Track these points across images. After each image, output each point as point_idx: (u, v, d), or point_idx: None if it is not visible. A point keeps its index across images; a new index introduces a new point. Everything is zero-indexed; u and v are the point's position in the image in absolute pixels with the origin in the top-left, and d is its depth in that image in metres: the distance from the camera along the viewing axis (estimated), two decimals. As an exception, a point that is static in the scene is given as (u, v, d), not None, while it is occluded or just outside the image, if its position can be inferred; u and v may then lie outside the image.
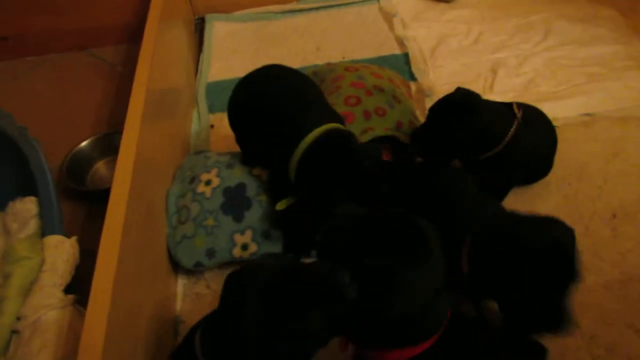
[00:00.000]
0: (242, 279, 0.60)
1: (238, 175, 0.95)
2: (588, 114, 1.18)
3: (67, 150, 1.21)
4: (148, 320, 0.83)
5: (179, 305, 0.95)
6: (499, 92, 1.26)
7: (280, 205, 0.86)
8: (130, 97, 0.97)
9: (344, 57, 1.44)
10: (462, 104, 0.89)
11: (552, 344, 0.82)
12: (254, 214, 0.92)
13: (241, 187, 0.93)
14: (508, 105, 0.95)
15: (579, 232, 0.96)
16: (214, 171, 0.96)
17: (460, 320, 0.65)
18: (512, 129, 0.90)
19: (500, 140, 0.91)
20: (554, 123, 1.02)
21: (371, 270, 0.57)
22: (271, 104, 0.89)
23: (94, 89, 1.45)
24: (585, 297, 0.88)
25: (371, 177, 0.79)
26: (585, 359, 0.81)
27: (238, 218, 0.92)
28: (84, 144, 1.23)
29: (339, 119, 0.89)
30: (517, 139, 0.91)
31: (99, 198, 1.13)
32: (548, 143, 1.02)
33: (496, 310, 0.76)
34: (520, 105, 0.97)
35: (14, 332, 0.84)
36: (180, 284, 0.98)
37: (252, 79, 0.95)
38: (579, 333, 0.84)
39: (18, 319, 0.85)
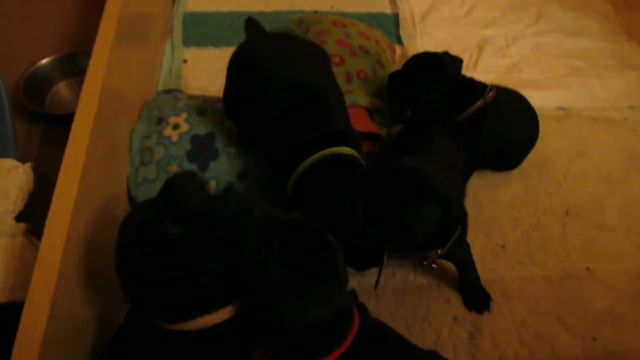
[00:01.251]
0: None
1: (209, 123, 0.92)
2: (562, 108, 1.20)
3: (25, 66, 1.12)
4: (103, 257, 0.82)
5: (134, 244, 0.95)
6: (482, 71, 1.26)
7: None
8: (102, 17, 0.91)
9: (332, 7, 1.38)
10: (438, 58, 0.95)
11: (484, 324, 0.89)
12: (220, 166, 0.91)
13: (210, 136, 0.91)
14: (484, 85, 0.98)
15: (531, 223, 1.01)
16: (184, 115, 0.93)
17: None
18: (478, 103, 0.95)
19: (463, 107, 0.95)
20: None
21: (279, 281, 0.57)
22: (282, 97, 0.78)
23: (60, 1, 1.33)
24: (525, 286, 0.93)
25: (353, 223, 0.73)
26: (513, 342, 0.88)
27: (203, 167, 0.90)
28: (44, 61, 1.15)
29: (352, 135, 0.81)
30: (484, 116, 0.95)
31: (58, 122, 1.07)
32: (525, 137, 1.04)
33: None
34: (508, 92, 1.01)
35: (-39, 255, 0.82)
36: (138, 224, 0.97)
37: (261, 54, 0.82)
38: (511, 318, 0.90)
39: (-35, 242, 0.82)
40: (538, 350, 0.87)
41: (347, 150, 0.77)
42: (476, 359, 0.85)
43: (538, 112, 1.06)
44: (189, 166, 0.90)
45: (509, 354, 0.86)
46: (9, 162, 0.89)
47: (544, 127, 1.06)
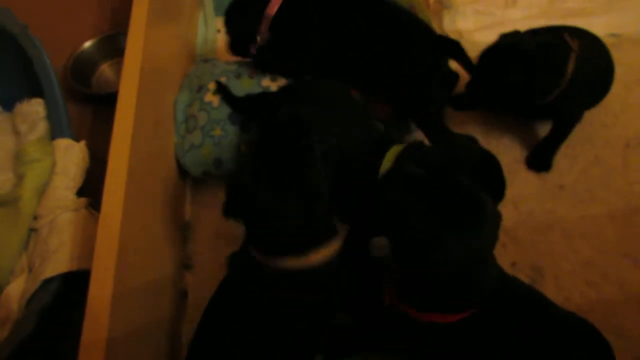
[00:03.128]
0: None
1: (246, 85, 0.93)
2: (614, 35, 1.12)
3: (69, 50, 1.17)
4: (159, 224, 0.86)
5: (188, 211, 0.98)
6: (523, 6, 1.18)
7: None
8: (134, -4, 0.92)
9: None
10: (508, 51, 0.85)
11: (545, 267, 0.86)
12: (262, 126, 0.91)
13: (249, 97, 0.92)
14: (558, 34, 0.88)
15: (588, 160, 0.96)
16: (222, 80, 0.94)
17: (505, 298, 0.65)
18: (571, 66, 0.85)
19: (558, 81, 0.86)
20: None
21: (418, 231, 0.56)
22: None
23: (95, -16, 1.37)
24: (587, 225, 0.90)
25: None
26: (578, 284, 0.85)
27: (245, 128, 0.91)
28: (87, 44, 1.19)
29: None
30: (578, 75, 0.86)
31: (105, 101, 1.12)
32: (607, 72, 0.95)
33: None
34: (573, 32, 0.91)
35: (32, 229, 0.88)
36: (188, 191, 1.00)
37: None
38: (575, 258, 0.87)
39: (35, 218, 0.88)
40: (606, 290, 0.84)
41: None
42: (540, 303, 0.83)
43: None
44: (232, 128, 0.91)
45: (574, 296, 0.84)
46: (65, 142, 0.93)
47: (595, 57, 0.99)
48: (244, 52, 0.97)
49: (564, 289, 0.84)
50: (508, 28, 1.09)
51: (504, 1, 1.20)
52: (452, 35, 1.12)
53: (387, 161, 0.77)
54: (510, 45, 0.85)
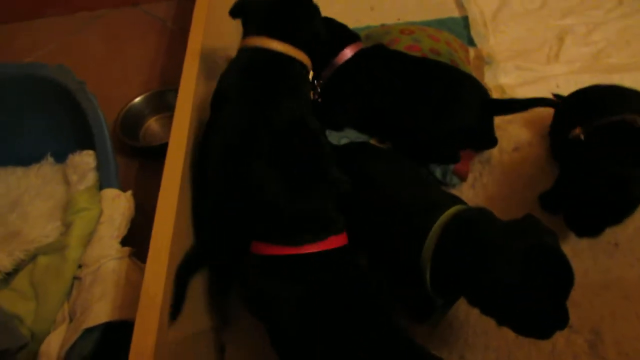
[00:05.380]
0: None
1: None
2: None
3: (119, 106, 1.22)
4: (201, 276, 0.86)
5: (228, 264, 0.97)
6: (565, 61, 1.19)
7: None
8: (186, 55, 0.97)
9: (399, 19, 1.38)
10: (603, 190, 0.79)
11: (605, 330, 0.80)
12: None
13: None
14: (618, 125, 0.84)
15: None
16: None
17: None
18: None
19: None
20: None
21: None
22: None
23: (145, 46, 1.46)
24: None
25: None
26: None
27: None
28: (136, 100, 1.24)
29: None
30: None
31: (151, 154, 1.15)
32: None
33: None
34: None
35: (76, 278, 0.89)
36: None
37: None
38: (639, 322, 0.81)
39: (79, 266, 0.89)
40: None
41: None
42: (602, 369, 0.77)
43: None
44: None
45: (639, 364, 0.77)
46: (113, 192, 0.95)
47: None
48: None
49: (629, 355, 0.78)
50: (551, 83, 1.11)
51: (546, 57, 1.21)
52: (495, 91, 1.13)
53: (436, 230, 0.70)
54: (603, 181, 0.79)
